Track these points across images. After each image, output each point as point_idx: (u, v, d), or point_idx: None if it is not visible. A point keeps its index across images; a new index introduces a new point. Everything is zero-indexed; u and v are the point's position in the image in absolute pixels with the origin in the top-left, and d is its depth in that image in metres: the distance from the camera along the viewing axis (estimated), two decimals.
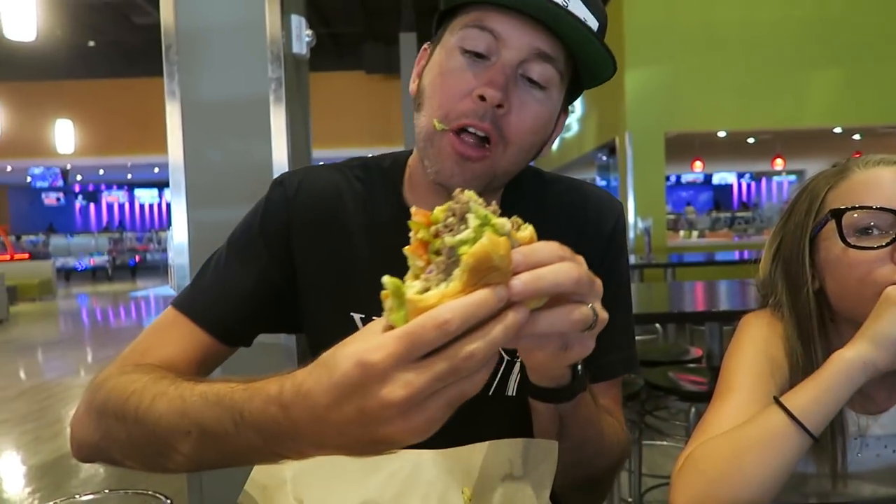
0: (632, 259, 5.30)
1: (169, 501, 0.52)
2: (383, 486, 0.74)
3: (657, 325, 4.03)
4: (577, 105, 9.33)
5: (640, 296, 3.20)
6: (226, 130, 1.76)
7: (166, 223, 18.83)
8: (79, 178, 20.23)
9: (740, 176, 18.55)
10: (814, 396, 0.77)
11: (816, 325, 0.90)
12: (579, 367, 0.68)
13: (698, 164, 12.54)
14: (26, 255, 15.33)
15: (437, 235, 0.48)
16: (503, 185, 0.87)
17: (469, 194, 0.49)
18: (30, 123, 13.69)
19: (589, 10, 0.77)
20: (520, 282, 0.46)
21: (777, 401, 0.78)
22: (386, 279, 0.46)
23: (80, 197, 23.44)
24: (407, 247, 0.49)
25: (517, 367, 0.86)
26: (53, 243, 18.41)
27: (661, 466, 3.19)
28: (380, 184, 0.91)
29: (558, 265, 0.48)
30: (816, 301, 0.91)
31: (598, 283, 0.53)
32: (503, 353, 0.85)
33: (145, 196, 23.41)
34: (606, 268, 0.85)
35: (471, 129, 0.76)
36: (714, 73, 7.06)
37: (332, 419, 0.48)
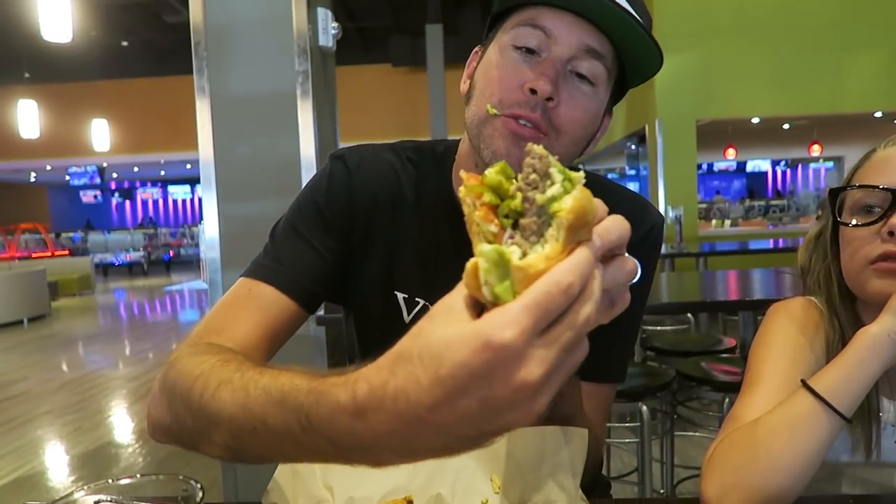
0: (663, 249, 5.21)
1: (199, 485, 0.53)
2: (412, 474, 0.74)
3: (689, 314, 3.97)
4: None
5: (671, 285, 3.16)
6: (254, 125, 1.78)
7: (199, 218, 19.20)
8: (115, 175, 20.74)
9: (775, 163, 18.09)
10: (841, 375, 0.75)
11: (843, 304, 0.91)
12: None
13: (731, 152, 12.28)
14: (66, 252, 15.78)
15: (514, 195, 0.43)
16: None
17: (540, 148, 0.44)
18: (67, 123, 14.06)
19: (634, 8, 0.79)
20: (597, 237, 0.43)
21: (804, 383, 0.77)
22: (486, 248, 0.40)
23: (116, 194, 24.02)
24: (477, 212, 0.44)
25: None
26: (91, 240, 18.93)
27: (693, 458, 3.15)
28: (431, 168, 0.94)
29: (612, 217, 0.46)
30: (842, 280, 0.92)
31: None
32: None
33: (178, 192, 23.89)
34: None
35: (521, 121, 0.78)
36: (747, 58, 6.88)
37: (435, 420, 0.42)
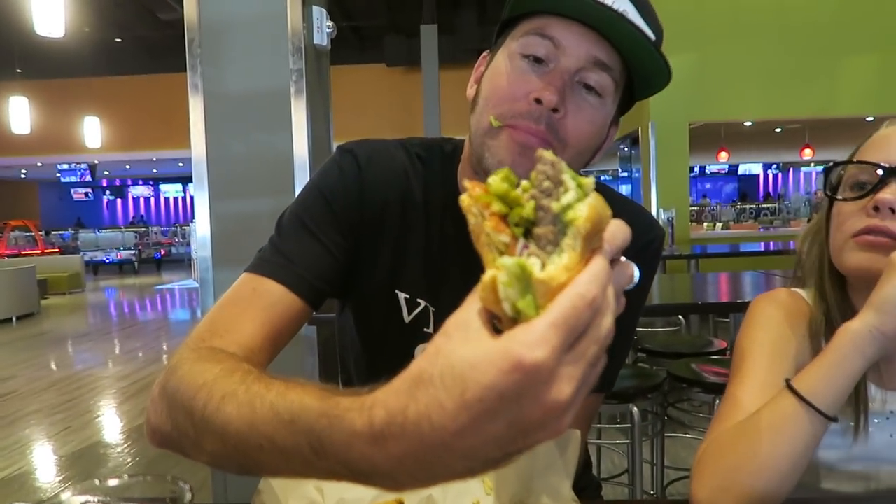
0: None
1: (188, 487, 0.52)
2: None
3: (680, 316, 3.98)
4: None
5: (662, 287, 3.16)
6: (247, 123, 1.77)
7: (190, 217, 19.10)
8: (106, 173, 20.60)
9: (767, 167, 18.22)
10: (823, 374, 0.75)
11: (832, 287, 0.91)
12: None
13: (723, 155, 12.34)
14: (56, 250, 15.69)
15: (523, 203, 0.42)
16: None
17: (551, 154, 0.42)
18: (59, 120, 13.96)
19: (646, 21, 0.79)
20: (606, 243, 0.42)
21: (788, 384, 0.77)
22: (508, 261, 0.38)
23: (107, 192, 23.89)
24: (487, 223, 0.41)
25: None
26: (82, 238, 18.81)
27: (684, 459, 3.16)
28: (439, 167, 0.93)
29: (615, 221, 0.45)
30: (832, 265, 0.92)
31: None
32: None
33: (170, 191, 23.79)
34: None
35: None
36: (741, 61, 6.92)
37: (460, 445, 0.39)
